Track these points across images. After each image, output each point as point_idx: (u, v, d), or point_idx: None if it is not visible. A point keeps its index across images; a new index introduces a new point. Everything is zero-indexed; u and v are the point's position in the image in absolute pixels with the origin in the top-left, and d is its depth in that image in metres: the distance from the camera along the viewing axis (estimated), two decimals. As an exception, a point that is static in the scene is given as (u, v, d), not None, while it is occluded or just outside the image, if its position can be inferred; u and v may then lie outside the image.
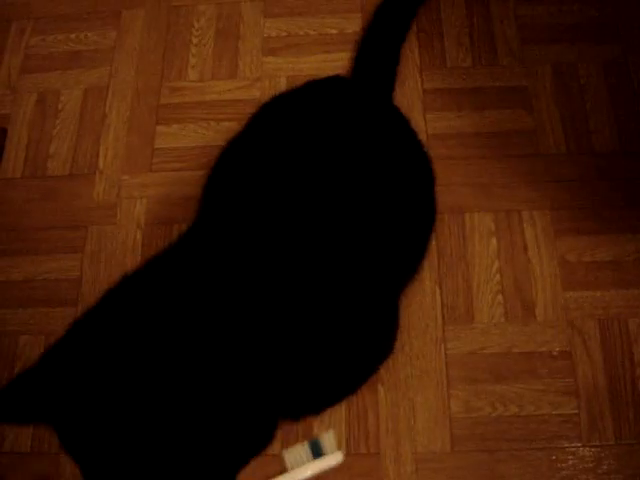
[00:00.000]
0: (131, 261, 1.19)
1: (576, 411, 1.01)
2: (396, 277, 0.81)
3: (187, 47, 1.37)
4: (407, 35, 1.26)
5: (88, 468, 0.48)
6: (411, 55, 1.29)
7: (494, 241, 1.13)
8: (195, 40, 1.37)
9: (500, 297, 1.09)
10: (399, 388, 1.05)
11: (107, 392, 0.46)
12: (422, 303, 1.10)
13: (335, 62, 1.30)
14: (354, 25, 1.34)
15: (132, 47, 1.38)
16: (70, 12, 1.43)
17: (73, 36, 1.41)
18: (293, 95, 0.85)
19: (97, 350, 0.48)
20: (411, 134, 0.86)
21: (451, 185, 1.17)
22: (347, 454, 1.00)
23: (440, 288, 1.11)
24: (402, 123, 0.88)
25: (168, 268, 0.54)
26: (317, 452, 0.46)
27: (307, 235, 0.59)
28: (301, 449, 0.46)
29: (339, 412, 1.03)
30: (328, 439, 0.47)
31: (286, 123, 0.76)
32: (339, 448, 0.47)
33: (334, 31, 1.34)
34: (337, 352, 0.62)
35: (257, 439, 0.50)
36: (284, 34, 1.35)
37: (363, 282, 0.63)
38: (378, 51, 1.15)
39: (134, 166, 1.27)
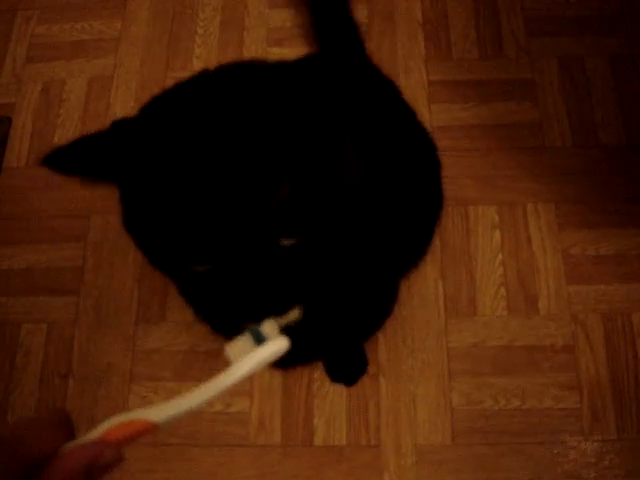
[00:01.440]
0: (134, 251, 1.18)
1: (578, 405, 1.01)
2: (401, 256, 0.82)
3: (192, 37, 1.36)
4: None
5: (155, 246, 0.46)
6: (416, 46, 1.29)
7: (498, 234, 1.12)
8: (200, 30, 1.37)
9: (503, 290, 1.09)
10: (400, 380, 1.04)
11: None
12: (425, 295, 1.09)
13: (340, 53, 1.29)
14: (360, 16, 1.32)
15: (137, 37, 1.38)
16: (76, 1, 1.43)
17: (78, 25, 1.41)
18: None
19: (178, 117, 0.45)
20: (398, 96, 0.86)
21: (456, 177, 1.16)
22: (347, 445, 1.02)
23: (443, 280, 1.10)
24: (388, 85, 0.87)
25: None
26: (260, 340, 0.44)
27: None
28: (243, 339, 0.44)
29: (339, 403, 1.04)
30: (269, 325, 0.45)
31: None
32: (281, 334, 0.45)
33: (339, 22, 1.33)
34: (347, 314, 0.65)
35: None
36: (289, 25, 1.35)
37: (371, 258, 0.64)
38: (330, 18, 1.09)
39: (138, 156, 1.26)
